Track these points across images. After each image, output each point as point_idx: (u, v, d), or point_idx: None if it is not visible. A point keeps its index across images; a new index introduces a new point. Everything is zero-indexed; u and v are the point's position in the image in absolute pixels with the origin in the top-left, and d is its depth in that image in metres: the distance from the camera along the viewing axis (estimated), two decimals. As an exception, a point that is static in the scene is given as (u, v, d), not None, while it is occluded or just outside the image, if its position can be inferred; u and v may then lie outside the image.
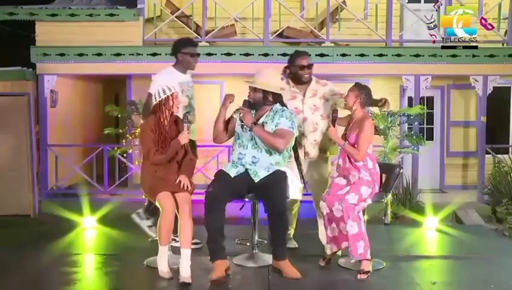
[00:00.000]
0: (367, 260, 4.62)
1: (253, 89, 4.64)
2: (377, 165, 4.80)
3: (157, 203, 4.52)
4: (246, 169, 4.58)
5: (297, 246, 5.35)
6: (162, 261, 4.53)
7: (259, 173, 4.55)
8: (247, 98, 4.70)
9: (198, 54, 5.36)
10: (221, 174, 4.60)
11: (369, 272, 4.60)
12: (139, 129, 8.10)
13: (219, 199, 4.43)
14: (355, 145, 4.67)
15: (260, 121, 4.63)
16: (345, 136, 4.79)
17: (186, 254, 4.40)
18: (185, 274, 4.35)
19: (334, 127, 4.74)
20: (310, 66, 5.12)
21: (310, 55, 5.22)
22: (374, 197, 4.81)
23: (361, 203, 4.65)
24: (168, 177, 4.54)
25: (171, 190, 4.50)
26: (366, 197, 4.67)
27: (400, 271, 4.86)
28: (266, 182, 4.48)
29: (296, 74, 5.11)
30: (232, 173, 4.57)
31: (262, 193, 4.47)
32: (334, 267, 4.76)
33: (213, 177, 4.65)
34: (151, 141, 4.50)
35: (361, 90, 4.77)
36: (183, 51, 5.27)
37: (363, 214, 4.87)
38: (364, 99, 4.77)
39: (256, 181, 4.52)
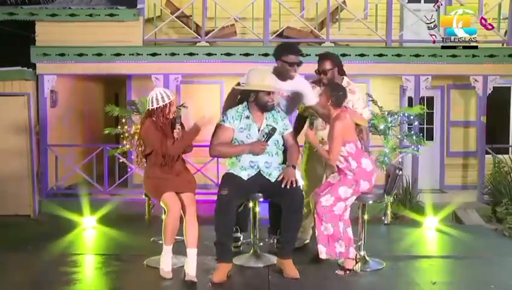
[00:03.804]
0: (350, 258, 4.63)
1: (273, 92, 4.61)
2: (363, 161, 4.64)
3: (162, 204, 4.54)
4: (259, 171, 4.61)
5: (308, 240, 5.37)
6: (165, 261, 4.56)
7: (273, 174, 4.61)
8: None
9: (299, 63, 4.98)
10: (232, 177, 4.58)
11: (348, 270, 4.61)
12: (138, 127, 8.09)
13: (231, 202, 4.45)
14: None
15: (264, 125, 4.65)
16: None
17: (192, 253, 4.45)
18: (191, 273, 4.41)
19: (312, 130, 4.71)
20: (324, 72, 5.11)
21: (328, 57, 5.19)
22: (373, 197, 4.81)
23: (339, 204, 4.58)
24: (174, 177, 4.56)
25: (176, 190, 4.53)
26: (348, 196, 4.60)
27: (399, 271, 4.86)
28: (282, 181, 4.51)
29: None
30: (244, 175, 4.58)
31: (280, 191, 4.49)
32: (334, 267, 4.76)
33: (221, 181, 4.64)
34: (160, 138, 4.49)
35: (333, 92, 4.64)
36: (283, 59, 4.96)
37: (361, 212, 4.87)
38: (337, 101, 4.63)
39: (272, 181, 4.57)
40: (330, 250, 4.60)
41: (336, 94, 4.63)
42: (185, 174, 4.69)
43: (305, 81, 5.13)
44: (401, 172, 4.89)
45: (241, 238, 5.35)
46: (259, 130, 4.64)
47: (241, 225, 5.20)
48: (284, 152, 4.80)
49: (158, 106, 4.50)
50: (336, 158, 4.58)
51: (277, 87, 4.70)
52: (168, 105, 4.52)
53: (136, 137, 8.02)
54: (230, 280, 4.46)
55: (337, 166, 4.70)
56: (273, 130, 4.57)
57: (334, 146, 4.53)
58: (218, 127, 4.71)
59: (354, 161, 4.61)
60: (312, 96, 5.05)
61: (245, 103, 4.72)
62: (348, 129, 4.60)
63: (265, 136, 4.57)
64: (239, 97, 4.91)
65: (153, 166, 4.61)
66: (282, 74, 4.91)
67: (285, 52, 5.01)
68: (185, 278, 4.43)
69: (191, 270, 4.42)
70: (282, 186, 4.45)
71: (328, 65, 5.10)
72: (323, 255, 4.63)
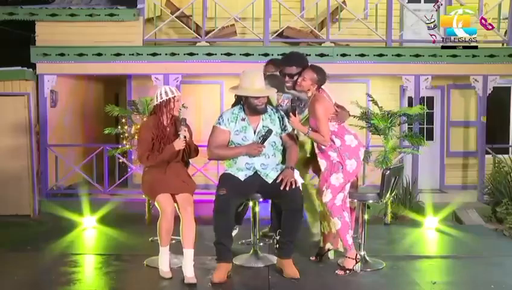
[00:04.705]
0: (351, 259, 4.64)
1: (260, 96, 4.58)
2: (348, 137, 4.64)
3: (156, 205, 4.55)
4: (256, 171, 4.60)
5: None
6: (163, 262, 4.57)
7: (270, 174, 4.60)
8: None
9: (292, 75, 4.89)
10: (229, 178, 4.58)
11: (348, 270, 4.62)
12: (138, 127, 8.09)
13: (229, 202, 4.45)
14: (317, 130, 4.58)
15: (260, 126, 4.63)
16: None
17: (189, 254, 4.45)
18: (189, 274, 4.42)
19: (295, 116, 4.61)
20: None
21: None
22: (371, 197, 4.81)
23: (338, 195, 4.60)
24: (169, 179, 4.56)
25: (171, 191, 4.54)
26: (341, 182, 4.60)
27: (400, 271, 4.86)
28: (281, 181, 4.49)
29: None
30: (241, 176, 4.58)
31: (278, 191, 4.47)
32: (334, 267, 4.76)
33: (219, 181, 4.64)
34: (147, 144, 4.53)
35: (319, 76, 4.64)
36: (283, 70, 4.99)
37: (361, 212, 4.89)
38: (321, 84, 4.66)
39: (269, 182, 4.56)
40: (344, 243, 4.66)
41: (321, 78, 4.65)
42: (182, 176, 4.69)
43: None
44: (388, 171, 4.83)
45: (236, 231, 5.36)
46: (255, 132, 4.63)
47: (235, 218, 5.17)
48: (284, 151, 4.79)
49: (162, 100, 4.55)
50: (329, 138, 4.58)
51: (268, 91, 4.67)
52: (172, 100, 4.55)
53: (136, 136, 8.05)
54: (230, 280, 4.47)
55: (321, 152, 4.68)
56: (269, 132, 4.56)
57: (324, 127, 4.54)
58: (214, 129, 4.69)
59: (337, 138, 4.63)
60: None
61: (240, 105, 4.71)
62: (329, 108, 4.62)
63: (261, 139, 4.57)
64: (235, 99, 4.90)
65: (150, 166, 4.62)
66: (276, 86, 4.90)
67: (283, 63, 5.02)
68: (184, 280, 4.43)
69: (188, 272, 4.42)
70: (281, 188, 4.44)
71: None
72: (341, 248, 4.78)
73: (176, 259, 4.77)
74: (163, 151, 4.52)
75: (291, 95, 5.01)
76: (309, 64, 4.95)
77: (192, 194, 4.65)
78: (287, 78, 4.96)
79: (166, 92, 4.56)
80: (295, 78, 4.86)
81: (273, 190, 4.52)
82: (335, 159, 4.62)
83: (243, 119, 4.64)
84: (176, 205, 4.57)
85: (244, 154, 4.58)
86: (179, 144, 4.50)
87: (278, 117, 4.72)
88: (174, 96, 4.57)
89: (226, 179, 4.58)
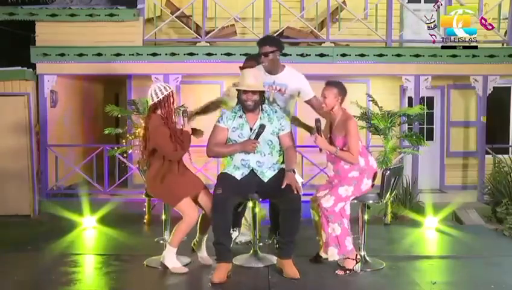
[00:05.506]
0: (351, 259, 4.63)
1: (252, 92, 4.61)
2: (370, 158, 4.70)
3: (177, 208, 4.63)
4: (252, 169, 4.60)
5: None
6: (172, 260, 4.66)
7: (266, 173, 4.62)
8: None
9: (266, 54, 5.05)
10: (226, 177, 4.61)
11: (348, 270, 4.61)
12: (139, 129, 8.08)
13: (227, 201, 4.45)
14: (344, 148, 4.56)
15: (257, 124, 4.64)
16: (330, 141, 4.69)
17: (204, 239, 4.85)
18: (205, 256, 4.89)
19: (320, 136, 4.61)
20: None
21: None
22: (372, 198, 4.81)
23: (339, 204, 4.59)
24: (183, 179, 4.65)
25: (192, 191, 4.63)
26: (349, 195, 4.60)
27: (400, 271, 4.86)
28: (278, 181, 4.49)
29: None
30: (237, 175, 4.60)
31: (275, 191, 4.46)
32: (334, 267, 4.76)
33: (216, 180, 4.66)
34: (169, 138, 4.57)
35: (339, 88, 4.66)
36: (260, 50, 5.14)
37: (361, 212, 4.88)
38: (343, 93, 4.67)
39: (265, 181, 4.57)
40: (342, 250, 4.63)
41: (342, 89, 4.66)
42: (189, 173, 4.80)
43: (300, 75, 5.16)
44: (388, 172, 4.84)
45: (237, 233, 5.36)
46: (251, 129, 4.65)
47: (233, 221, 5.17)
48: (282, 152, 4.78)
49: (163, 95, 4.60)
50: (358, 157, 4.57)
51: (257, 85, 4.64)
52: (171, 93, 4.64)
53: (140, 136, 8.04)
54: (230, 280, 4.47)
55: (338, 175, 4.67)
56: (262, 127, 4.58)
57: (355, 145, 4.52)
58: (214, 127, 4.75)
59: (362, 158, 4.62)
60: (308, 90, 5.09)
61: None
62: (356, 125, 4.65)
63: (254, 135, 4.58)
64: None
65: (161, 168, 4.63)
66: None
67: (258, 44, 5.18)
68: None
69: (204, 254, 4.86)
70: (290, 194, 4.40)
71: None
72: (335, 256, 4.66)
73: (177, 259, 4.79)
74: (185, 139, 4.63)
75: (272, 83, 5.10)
76: (284, 47, 5.23)
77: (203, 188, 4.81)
78: (262, 58, 5.11)
79: (165, 88, 4.64)
80: (270, 56, 5.05)
81: (271, 190, 4.53)
82: (353, 176, 4.61)
83: (241, 117, 4.69)
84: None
85: (239, 152, 4.60)
86: (189, 130, 4.70)
87: (277, 116, 4.73)
88: (171, 90, 4.67)
89: (223, 179, 4.61)
